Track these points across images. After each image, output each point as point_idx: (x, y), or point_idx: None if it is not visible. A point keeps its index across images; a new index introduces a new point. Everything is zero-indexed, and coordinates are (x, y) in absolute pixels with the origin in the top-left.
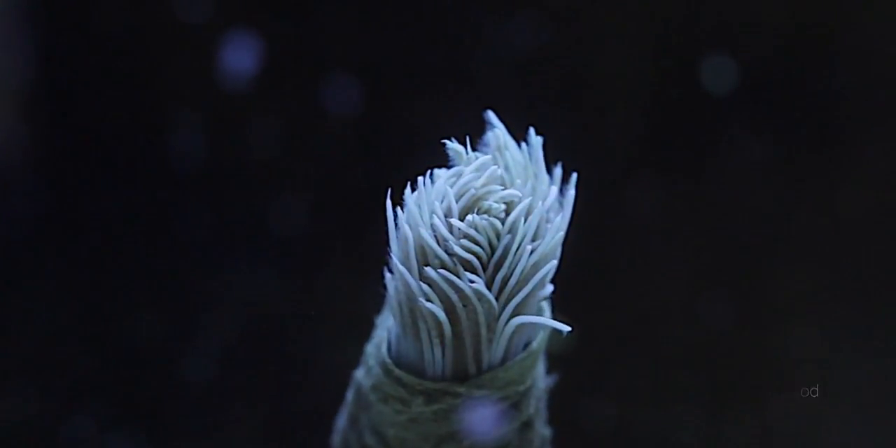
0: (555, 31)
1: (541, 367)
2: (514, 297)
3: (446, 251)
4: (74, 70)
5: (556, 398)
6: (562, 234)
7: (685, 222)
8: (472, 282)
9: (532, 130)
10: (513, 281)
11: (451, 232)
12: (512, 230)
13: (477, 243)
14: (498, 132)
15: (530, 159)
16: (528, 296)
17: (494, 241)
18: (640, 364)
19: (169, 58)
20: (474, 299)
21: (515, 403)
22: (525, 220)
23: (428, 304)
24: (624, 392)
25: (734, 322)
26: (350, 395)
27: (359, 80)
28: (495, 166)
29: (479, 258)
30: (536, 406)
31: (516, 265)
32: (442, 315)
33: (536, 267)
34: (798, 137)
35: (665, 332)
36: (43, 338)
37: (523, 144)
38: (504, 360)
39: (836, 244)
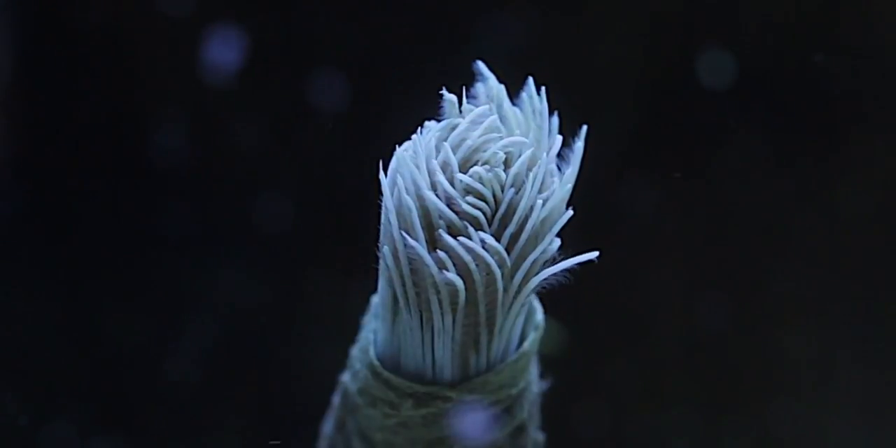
0: (548, 25)
1: (533, 370)
2: (526, 254)
3: (452, 210)
4: (55, 66)
5: (549, 402)
6: (570, 186)
7: (681, 222)
8: (484, 242)
9: (531, 80)
10: (524, 237)
11: (453, 186)
12: (515, 183)
13: (482, 198)
14: (490, 83)
15: (532, 111)
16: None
17: (499, 194)
18: (635, 367)
19: (151, 53)
20: (493, 263)
21: (508, 407)
22: (530, 172)
23: (446, 274)
24: (619, 396)
25: (731, 324)
26: (337, 398)
27: (345, 75)
28: (493, 116)
29: (483, 214)
30: (529, 410)
31: (526, 220)
32: (459, 282)
33: (546, 222)
34: (797, 135)
35: (661, 334)
36: (22, 339)
37: (523, 95)
38: (513, 330)
39: (836, 244)
